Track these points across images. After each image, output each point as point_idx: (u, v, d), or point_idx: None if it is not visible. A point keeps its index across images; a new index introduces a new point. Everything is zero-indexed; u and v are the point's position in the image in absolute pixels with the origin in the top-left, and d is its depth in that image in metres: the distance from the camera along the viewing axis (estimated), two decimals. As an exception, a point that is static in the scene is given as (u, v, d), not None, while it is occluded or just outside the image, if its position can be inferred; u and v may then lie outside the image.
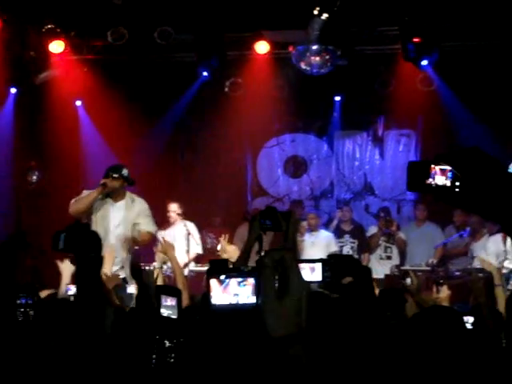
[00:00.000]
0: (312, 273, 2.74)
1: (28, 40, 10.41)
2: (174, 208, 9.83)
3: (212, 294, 1.85)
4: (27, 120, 11.46)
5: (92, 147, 11.65)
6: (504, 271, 7.45)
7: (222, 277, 1.89)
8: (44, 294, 5.51)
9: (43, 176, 11.75)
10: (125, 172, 7.58)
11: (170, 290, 3.05)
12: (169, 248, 5.64)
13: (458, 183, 1.52)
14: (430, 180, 1.59)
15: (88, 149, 11.69)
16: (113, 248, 6.66)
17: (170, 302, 2.89)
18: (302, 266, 2.72)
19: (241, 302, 1.80)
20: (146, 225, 7.66)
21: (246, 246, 3.97)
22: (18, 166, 11.42)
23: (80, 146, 11.75)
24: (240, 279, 1.88)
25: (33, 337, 2.65)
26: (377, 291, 5.30)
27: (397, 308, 3.77)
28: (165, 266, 7.50)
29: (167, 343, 2.69)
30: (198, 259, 9.90)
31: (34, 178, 11.36)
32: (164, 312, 2.87)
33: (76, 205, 7.43)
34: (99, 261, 2.82)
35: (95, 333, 2.67)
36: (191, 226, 9.75)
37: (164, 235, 9.55)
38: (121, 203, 7.61)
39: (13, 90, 11.28)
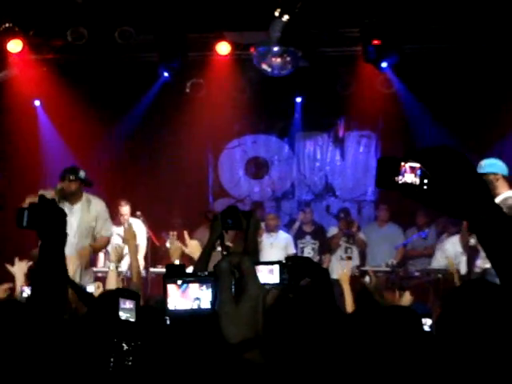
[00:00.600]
0: (269, 275, 2.73)
1: (-16, 39, 10.25)
2: (126, 211, 9.74)
3: (169, 299, 1.83)
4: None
5: (51, 148, 11.53)
6: (477, 270, 7.57)
7: (179, 282, 1.88)
8: (2, 290, 5.43)
9: (1, 176, 11.58)
10: (81, 174, 7.54)
11: (129, 292, 3.03)
12: (131, 236, 5.51)
13: (426, 181, 1.52)
14: (400, 177, 1.58)
15: (47, 149, 11.56)
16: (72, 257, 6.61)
17: (128, 304, 2.87)
18: (260, 268, 2.71)
19: (197, 307, 1.78)
20: (103, 230, 7.62)
21: (207, 245, 3.98)
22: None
23: (39, 146, 11.62)
24: (197, 284, 1.87)
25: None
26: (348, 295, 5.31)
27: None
28: (124, 268, 7.45)
29: (125, 346, 2.67)
30: (157, 261, 9.86)
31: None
32: (122, 315, 2.84)
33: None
34: (63, 237, 2.79)
35: (53, 329, 2.63)
36: (136, 223, 9.66)
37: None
38: (77, 206, 7.56)
39: (-31, 90, 11.12)
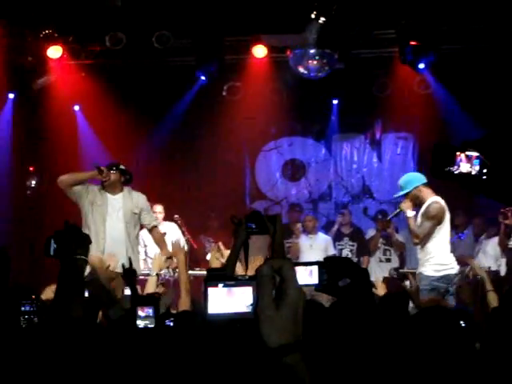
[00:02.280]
0: (309, 276, 2.75)
1: (26, 45, 10.41)
2: (159, 209, 9.82)
3: (209, 303, 1.86)
4: (25, 125, 11.48)
5: (90, 151, 11.66)
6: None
7: (220, 285, 1.90)
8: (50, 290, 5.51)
9: (41, 181, 11.76)
10: (122, 167, 7.82)
11: (145, 299, 3.07)
12: (179, 251, 5.54)
13: (485, 170, 1.46)
14: (455, 167, 1.51)
15: (86, 153, 11.69)
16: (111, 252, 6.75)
17: (145, 312, 2.90)
18: (299, 268, 2.72)
19: (238, 311, 1.80)
20: (153, 220, 7.93)
21: (232, 251, 3.97)
22: (17, 171, 11.42)
23: (78, 150, 11.76)
24: (238, 288, 1.88)
25: (37, 344, 2.65)
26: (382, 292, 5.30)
27: (400, 311, 3.78)
28: (162, 271, 7.53)
29: (147, 353, 2.70)
30: (195, 263, 9.91)
31: (33, 183, 11.37)
32: (140, 323, 2.87)
33: (66, 176, 7.61)
34: (83, 264, 2.82)
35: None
36: (170, 226, 9.72)
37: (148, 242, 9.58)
38: (118, 195, 7.76)
39: (11, 96, 11.31)
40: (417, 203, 7.26)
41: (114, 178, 7.66)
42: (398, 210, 7.50)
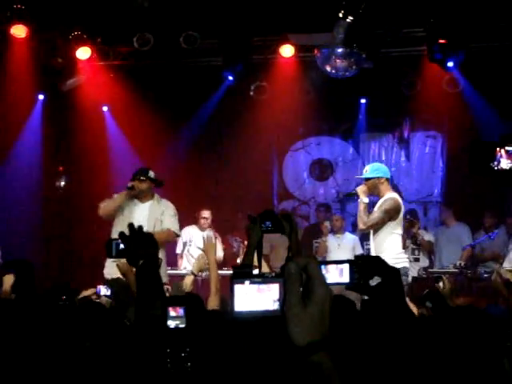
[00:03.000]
0: (340, 274, 2.74)
1: (56, 47, 10.52)
2: (206, 214, 9.89)
3: (235, 301, 1.85)
4: (55, 126, 11.59)
5: (119, 152, 11.74)
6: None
7: (247, 282, 1.89)
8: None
9: (71, 181, 11.87)
10: (151, 174, 7.78)
11: (176, 300, 3.06)
12: (210, 248, 5.54)
13: None
14: (495, 163, 1.46)
15: (115, 153, 11.78)
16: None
17: (176, 312, 2.90)
18: (330, 267, 2.71)
19: (265, 308, 1.79)
20: (169, 223, 7.74)
21: (248, 250, 3.95)
22: (46, 171, 11.54)
23: (107, 150, 11.84)
24: (265, 286, 1.88)
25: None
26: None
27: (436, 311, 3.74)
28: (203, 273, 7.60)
29: (179, 354, 2.69)
30: (223, 263, 9.94)
31: (62, 183, 11.48)
32: (171, 324, 2.87)
33: (105, 207, 7.66)
34: (156, 261, 2.83)
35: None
36: (216, 234, 9.84)
37: (192, 238, 9.69)
38: (147, 203, 7.76)
39: (40, 97, 11.44)
40: (374, 193, 7.34)
41: (144, 186, 7.68)
42: (354, 191, 7.52)
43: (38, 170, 11.35)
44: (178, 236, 8.13)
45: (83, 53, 10.65)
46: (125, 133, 11.81)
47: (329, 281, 3.01)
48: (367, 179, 7.30)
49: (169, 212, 7.80)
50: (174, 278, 8.48)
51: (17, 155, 11.09)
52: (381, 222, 7.12)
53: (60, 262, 10.73)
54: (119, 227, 7.45)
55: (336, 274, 2.73)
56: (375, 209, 7.25)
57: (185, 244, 9.88)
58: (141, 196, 7.72)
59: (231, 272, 9.02)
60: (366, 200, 7.24)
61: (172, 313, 2.89)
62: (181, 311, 2.89)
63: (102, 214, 7.70)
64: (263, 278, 1.86)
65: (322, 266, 2.80)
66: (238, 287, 1.89)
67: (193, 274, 5.76)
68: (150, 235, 2.88)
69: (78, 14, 10.16)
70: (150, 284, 2.76)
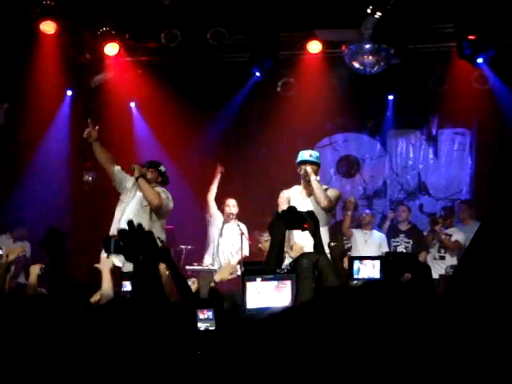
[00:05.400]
0: (372, 269, 2.74)
1: (84, 43, 10.58)
2: (232, 203, 9.85)
3: (247, 298, 1.83)
4: (83, 121, 11.65)
5: (146, 148, 11.77)
6: None
7: (258, 279, 1.87)
8: (97, 295, 5.58)
9: (98, 177, 11.93)
10: (162, 168, 8.03)
11: (204, 302, 3.05)
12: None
13: None
14: None
15: (142, 149, 11.81)
16: None
17: (205, 315, 2.88)
18: (365, 262, 2.73)
19: (277, 304, 1.77)
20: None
21: (273, 246, 3.89)
22: (74, 167, 11.61)
23: (134, 146, 11.88)
24: (276, 282, 1.86)
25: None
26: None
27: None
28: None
29: (209, 356, 2.68)
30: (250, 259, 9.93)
31: (90, 178, 11.54)
32: (201, 326, 2.86)
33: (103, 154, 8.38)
34: (153, 256, 2.82)
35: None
36: (243, 227, 9.78)
37: (216, 231, 9.67)
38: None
39: (69, 93, 11.50)
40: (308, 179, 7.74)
41: (151, 176, 7.86)
42: (304, 168, 7.81)
43: (65, 165, 11.43)
44: (161, 202, 7.90)
45: (111, 49, 10.70)
46: (152, 129, 11.85)
47: (361, 276, 3.02)
48: (315, 163, 7.83)
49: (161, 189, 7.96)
50: (199, 274, 8.48)
51: (45, 150, 11.17)
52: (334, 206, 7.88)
53: (88, 257, 10.78)
54: (118, 215, 7.82)
55: (369, 269, 2.74)
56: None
57: (211, 216, 9.84)
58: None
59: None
60: (317, 178, 7.74)
61: (201, 315, 2.88)
62: (209, 314, 2.88)
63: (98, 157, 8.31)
64: (274, 275, 1.84)
65: (357, 262, 2.80)
66: (249, 284, 1.87)
67: (214, 282, 5.77)
68: (149, 233, 2.87)
69: (107, 10, 10.22)
70: (149, 280, 2.73)
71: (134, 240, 2.77)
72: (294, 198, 7.93)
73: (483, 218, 1.94)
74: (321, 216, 7.47)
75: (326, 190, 7.79)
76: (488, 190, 1.51)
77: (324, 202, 7.55)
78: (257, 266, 2.90)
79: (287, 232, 3.95)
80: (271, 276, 1.85)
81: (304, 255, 3.42)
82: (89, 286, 6.18)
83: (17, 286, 9.08)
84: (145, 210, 7.75)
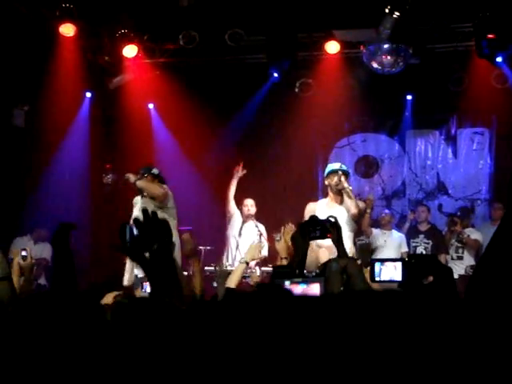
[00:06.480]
0: (394, 271, 2.74)
1: (103, 45, 10.65)
2: (250, 202, 9.85)
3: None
4: (102, 123, 11.72)
5: (164, 149, 11.82)
6: None
7: (287, 283, 1.87)
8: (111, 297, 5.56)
9: (118, 178, 11.98)
10: (154, 171, 8.50)
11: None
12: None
13: None
14: None
15: (161, 151, 11.86)
16: None
17: None
18: (387, 264, 2.74)
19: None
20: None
21: (296, 259, 3.79)
22: (94, 168, 11.67)
23: (153, 147, 11.93)
24: (305, 285, 1.87)
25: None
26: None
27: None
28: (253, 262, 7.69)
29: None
30: (269, 261, 9.92)
31: (110, 180, 11.59)
32: None
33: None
34: (169, 245, 2.81)
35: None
36: (262, 228, 9.77)
37: (234, 231, 9.68)
38: (146, 198, 8.40)
39: (88, 95, 11.56)
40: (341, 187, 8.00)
41: (147, 181, 8.39)
42: (338, 176, 8.03)
43: (85, 166, 11.49)
44: (165, 190, 8.35)
45: (130, 50, 10.74)
46: (170, 130, 11.89)
47: (383, 278, 3.02)
48: (346, 172, 8.24)
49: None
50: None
51: (65, 152, 11.23)
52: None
53: (108, 259, 10.83)
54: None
55: (390, 271, 2.74)
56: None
57: (231, 214, 9.88)
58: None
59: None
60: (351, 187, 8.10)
61: None
62: None
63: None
64: (303, 278, 1.85)
65: (379, 264, 2.81)
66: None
67: (246, 262, 5.68)
68: (164, 221, 2.86)
69: (125, 12, 10.27)
70: (164, 270, 2.73)
71: (148, 228, 2.77)
72: (321, 210, 7.95)
73: (502, 220, 1.94)
74: (350, 223, 7.75)
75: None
76: (508, 193, 1.54)
77: (355, 211, 7.81)
78: (285, 270, 2.91)
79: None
80: (300, 279, 1.86)
81: (333, 259, 3.42)
82: (104, 285, 6.18)
83: (38, 287, 9.14)
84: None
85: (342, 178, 7.96)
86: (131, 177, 8.30)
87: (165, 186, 8.38)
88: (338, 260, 3.34)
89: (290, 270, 3.42)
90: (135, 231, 2.83)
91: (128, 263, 8.08)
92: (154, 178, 8.44)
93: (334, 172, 8.11)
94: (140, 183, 8.25)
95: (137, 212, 8.07)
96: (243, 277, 8.22)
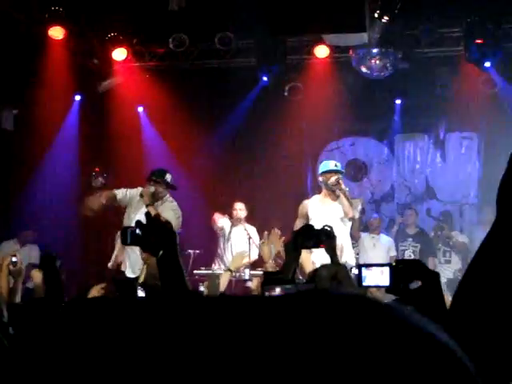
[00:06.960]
0: (380, 276, 2.75)
1: (92, 48, 10.64)
2: (240, 206, 9.85)
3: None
4: (91, 126, 11.70)
5: (154, 153, 11.80)
6: None
7: (278, 289, 1.88)
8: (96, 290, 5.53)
9: (107, 181, 11.96)
10: (167, 177, 8.01)
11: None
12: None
13: None
14: None
15: (150, 154, 11.85)
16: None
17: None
18: (373, 269, 2.74)
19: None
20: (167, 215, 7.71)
21: (286, 268, 3.76)
22: (83, 171, 11.65)
23: (142, 150, 11.92)
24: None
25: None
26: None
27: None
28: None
29: None
30: (257, 264, 9.92)
31: (99, 183, 11.57)
32: None
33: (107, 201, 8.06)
34: (174, 249, 2.81)
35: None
36: (252, 230, 9.77)
37: (223, 235, 9.70)
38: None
39: (77, 98, 11.54)
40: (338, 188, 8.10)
41: (158, 188, 7.95)
42: (336, 178, 8.10)
43: (74, 169, 11.47)
44: (175, 226, 8.03)
45: (119, 54, 10.74)
46: (160, 133, 11.88)
47: (369, 283, 3.03)
48: (341, 172, 8.37)
49: (170, 207, 7.92)
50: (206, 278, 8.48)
51: (54, 155, 11.21)
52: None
53: (97, 262, 10.81)
54: (126, 222, 7.78)
55: (377, 276, 2.75)
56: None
57: (221, 229, 9.88)
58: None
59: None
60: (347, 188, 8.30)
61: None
62: None
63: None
64: (294, 285, 1.86)
65: (364, 268, 2.82)
66: (268, 295, 1.88)
67: (229, 270, 5.73)
68: (167, 223, 2.86)
69: (114, 15, 10.26)
70: (172, 274, 2.74)
71: (151, 231, 2.78)
72: (314, 206, 8.06)
73: (492, 228, 1.95)
74: (346, 223, 7.86)
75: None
76: (497, 198, 1.54)
77: (350, 213, 7.95)
78: (276, 276, 2.92)
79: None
80: (290, 286, 1.86)
81: (323, 266, 3.45)
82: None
83: (26, 291, 9.09)
84: None
85: (341, 181, 8.09)
86: (146, 197, 7.80)
87: (175, 216, 7.71)
88: (328, 267, 3.36)
89: (280, 276, 3.43)
90: (137, 232, 2.85)
91: (117, 248, 7.98)
92: (166, 186, 8.02)
93: (330, 171, 8.17)
94: (151, 210, 7.76)
95: (139, 215, 7.84)
96: (244, 280, 8.29)
